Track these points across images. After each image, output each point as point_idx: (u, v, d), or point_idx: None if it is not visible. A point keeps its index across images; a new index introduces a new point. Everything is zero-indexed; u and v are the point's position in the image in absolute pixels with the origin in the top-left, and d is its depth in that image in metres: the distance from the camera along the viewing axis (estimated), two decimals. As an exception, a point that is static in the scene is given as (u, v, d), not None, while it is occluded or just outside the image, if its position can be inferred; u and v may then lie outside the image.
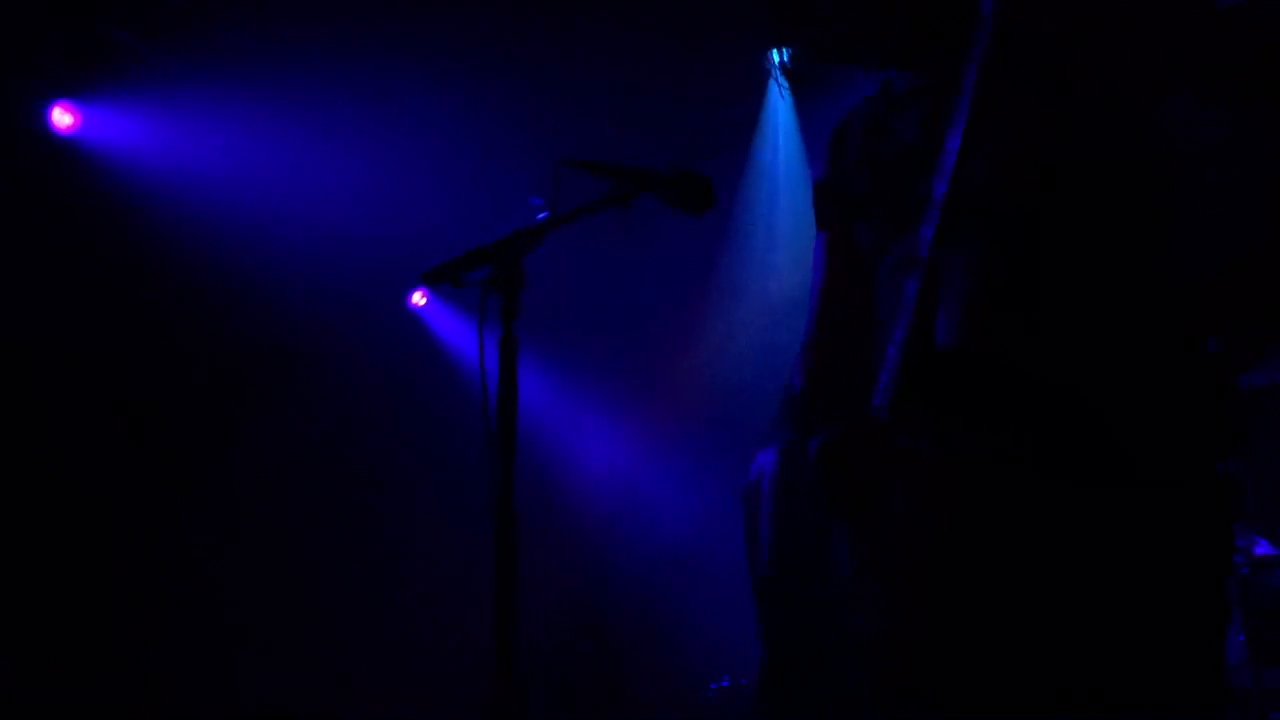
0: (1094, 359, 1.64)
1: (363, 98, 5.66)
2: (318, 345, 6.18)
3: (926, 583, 1.67)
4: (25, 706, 4.64)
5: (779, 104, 5.98)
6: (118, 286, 5.60)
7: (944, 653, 1.63)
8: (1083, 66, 1.67)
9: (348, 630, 6.07)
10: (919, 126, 1.81)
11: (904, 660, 1.66)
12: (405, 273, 6.40)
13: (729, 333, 6.42)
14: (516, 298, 2.18)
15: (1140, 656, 1.56)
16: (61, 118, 5.22)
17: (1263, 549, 4.16)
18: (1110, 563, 1.58)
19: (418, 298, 6.69)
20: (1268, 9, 1.56)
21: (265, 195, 5.68)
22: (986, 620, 1.61)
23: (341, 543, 6.19)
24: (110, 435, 5.62)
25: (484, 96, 5.83)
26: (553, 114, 5.90)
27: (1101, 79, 1.66)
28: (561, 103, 5.91)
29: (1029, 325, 1.66)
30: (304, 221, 5.76)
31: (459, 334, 6.73)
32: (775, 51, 5.55)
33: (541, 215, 2.57)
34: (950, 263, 1.66)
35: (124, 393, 5.67)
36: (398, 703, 6.00)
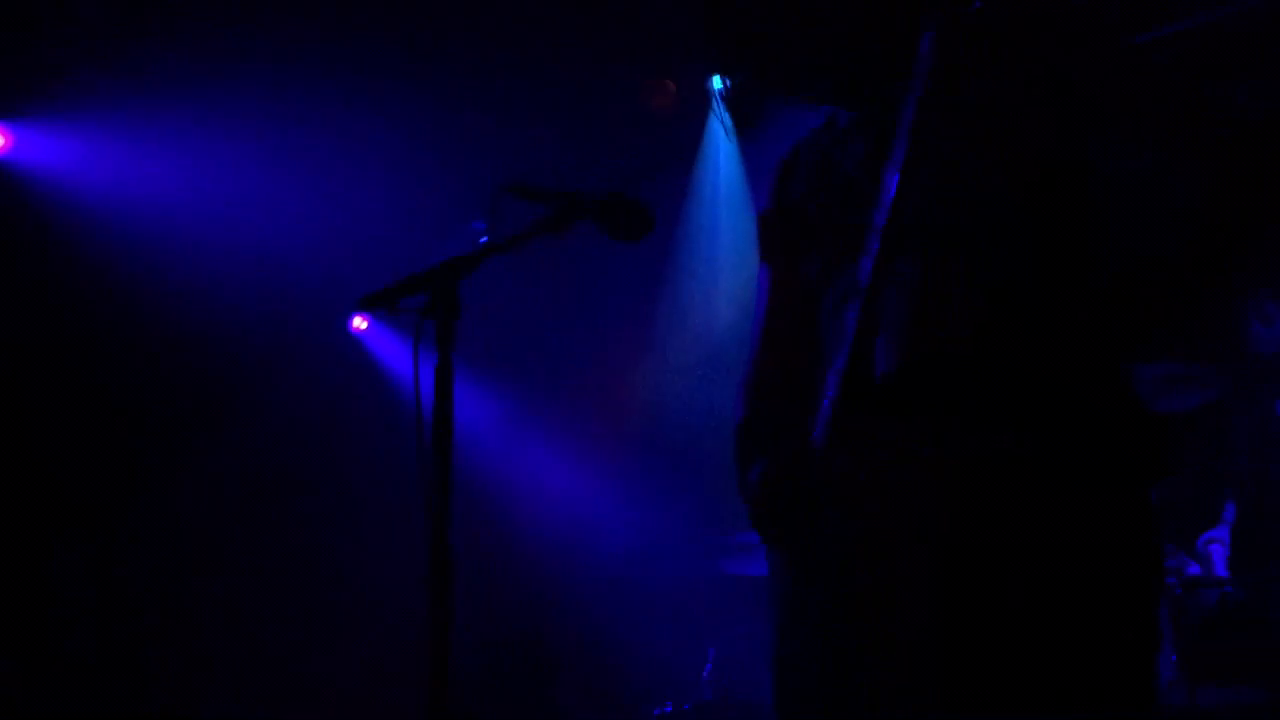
0: (1026, 384, 1.67)
1: (302, 120, 5.62)
2: (257, 369, 6.12)
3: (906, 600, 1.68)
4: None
5: (720, 128, 6.03)
6: (52, 310, 5.51)
7: (942, 655, 1.63)
8: (1014, 101, 1.71)
9: (283, 648, 5.99)
10: (861, 160, 1.84)
11: (901, 664, 1.66)
12: (346, 296, 6.35)
13: (670, 356, 6.44)
14: (452, 325, 2.17)
15: (1079, 667, 1.59)
16: (-8, 137, 5.15)
17: (1194, 569, 4.23)
18: (1057, 567, 1.61)
19: (358, 321, 6.64)
20: (1171, 51, 1.61)
21: (203, 218, 5.62)
22: (980, 623, 1.63)
23: (279, 564, 6.12)
24: (43, 457, 5.53)
25: (425, 118, 5.82)
26: (494, 136, 5.89)
27: (1033, 113, 1.70)
28: (503, 125, 5.91)
29: (965, 351, 1.69)
30: (242, 245, 5.71)
31: (400, 358, 6.69)
32: (716, 79, 5.60)
33: (483, 240, 2.57)
34: (889, 293, 1.69)
35: (58, 416, 5.58)
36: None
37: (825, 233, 1.87)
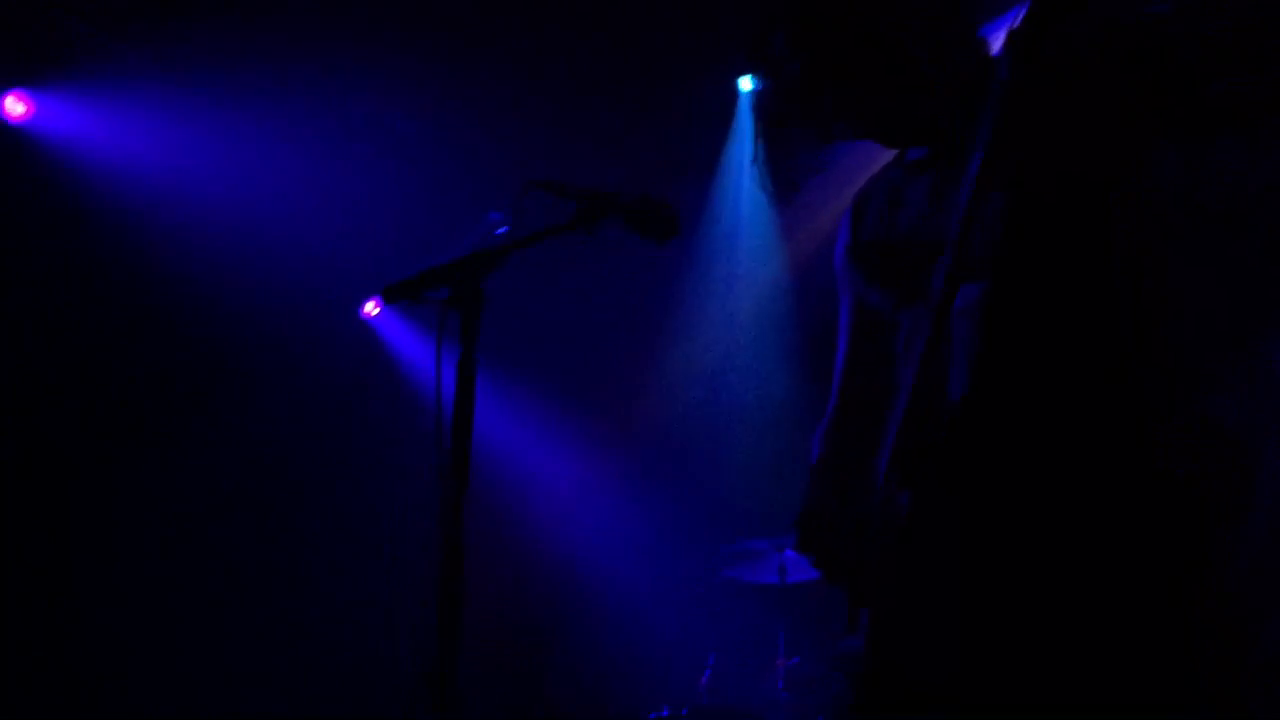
0: (1100, 409, 1.67)
1: (325, 103, 5.60)
2: (267, 350, 6.09)
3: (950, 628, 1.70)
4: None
5: (746, 130, 6.00)
6: (65, 281, 5.49)
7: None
8: (1080, 122, 1.71)
9: (286, 634, 5.97)
10: (930, 191, 1.86)
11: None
12: (360, 281, 6.34)
13: (683, 358, 6.42)
14: (476, 319, 2.14)
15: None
16: (14, 106, 5.13)
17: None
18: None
19: (370, 307, 6.61)
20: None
21: (220, 194, 5.59)
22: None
23: (287, 549, 6.09)
24: (51, 434, 5.51)
25: (448, 109, 5.80)
26: (516, 129, 5.87)
27: (1099, 132, 1.70)
28: (525, 120, 5.88)
29: (1037, 377, 1.69)
30: (258, 223, 5.68)
31: (411, 343, 6.66)
32: (746, 80, 5.58)
33: (501, 230, 2.53)
34: (959, 322, 1.69)
35: (68, 389, 5.56)
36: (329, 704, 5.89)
37: (899, 266, 1.88)
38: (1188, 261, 1.70)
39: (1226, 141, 1.66)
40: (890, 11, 1.82)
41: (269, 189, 5.68)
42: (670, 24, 5.48)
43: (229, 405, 6.04)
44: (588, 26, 5.50)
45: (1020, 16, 1.64)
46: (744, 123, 6.00)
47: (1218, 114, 1.63)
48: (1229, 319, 1.68)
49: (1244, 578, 1.67)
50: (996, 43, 1.73)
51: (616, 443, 6.33)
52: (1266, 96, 1.59)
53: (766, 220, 6.18)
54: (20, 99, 5.13)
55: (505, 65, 5.65)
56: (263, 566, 5.96)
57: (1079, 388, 1.67)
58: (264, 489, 6.05)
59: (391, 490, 6.08)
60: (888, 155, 2.06)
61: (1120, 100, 1.67)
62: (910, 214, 1.89)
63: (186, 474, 5.85)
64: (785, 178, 2.04)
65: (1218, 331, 1.68)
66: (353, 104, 5.69)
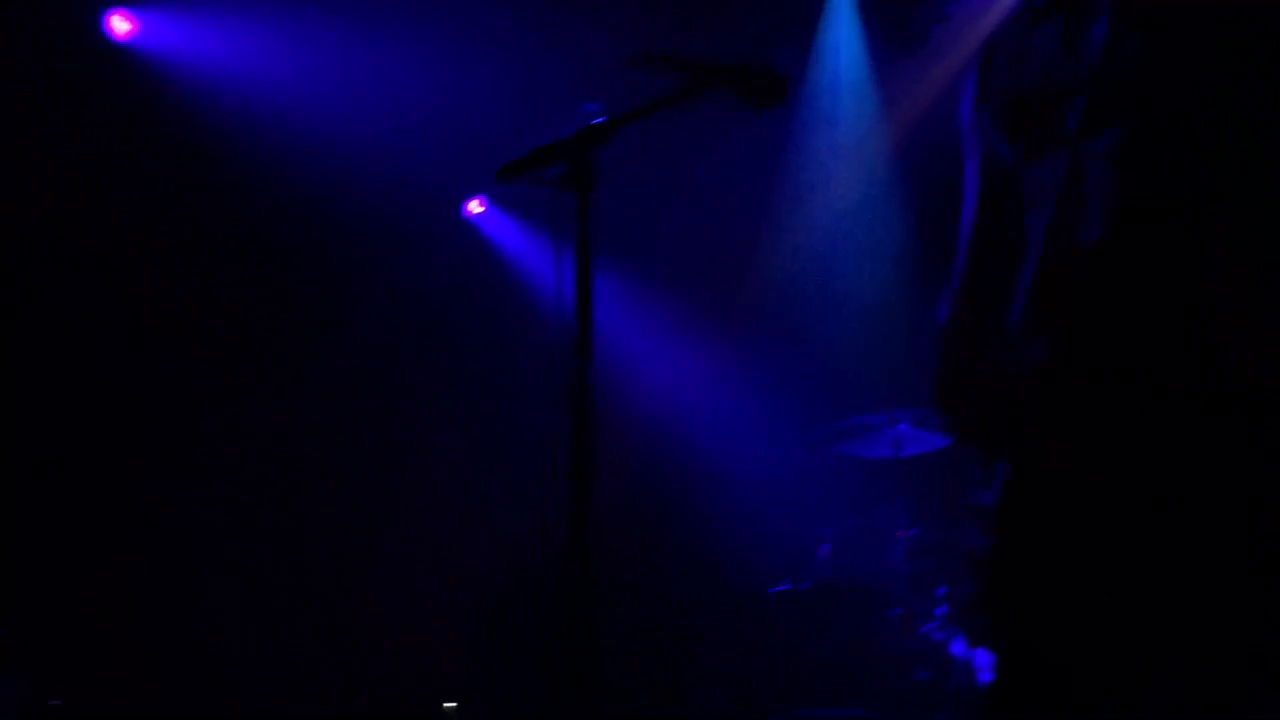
0: (1238, 269, 1.63)
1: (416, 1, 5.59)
2: (375, 254, 6.19)
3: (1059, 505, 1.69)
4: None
5: (843, 4, 5.85)
6: (173, 195, 5.62)
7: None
8: None
9: (392, 534, 6.17)
10: (1059, 38, 1.82)
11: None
12: (461, 180, 6.38)
13: (788, 238, 6.35)
14: (591, 195, 2.16)
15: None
16: (119, 24, 5.22)
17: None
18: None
19: (474, 205, 6.66)
20: None
21: (320, 102, 5.65)
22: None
23: (399, 453, 6.25)
24: (163, 343, 5.69)
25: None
26: (608, 5, 5.77)
27: None
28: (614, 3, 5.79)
29: (1176, 219, 1.65)
30: (357, 128, 5.73)
31: (518, 240, 6.69)
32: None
33: (598, 120, 2.53)
34: (1093, 164, 1.66)
35: (176, 300, 5.72)
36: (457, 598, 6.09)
37: (1029, 116, 1.85)
38: None
39: None
40: None
41: (361, 95, 5.72)
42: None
43: (338, 312, 6.17)
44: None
45: None
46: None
47: None
48: None
49: None
50: None
51: (725, 325, 6.33)
52: None
53: (869, 89, 6.03)
54: (125, 17, 5.22)
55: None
56: (382, 462, 6.14)
57: (1220, 229, 1.64)
58: (376, 389, 6.20)
59: (506, 386, 6.16)
60: (1000, 10, 2.02)
61: None
62: (1039, 62, 1.85)
63: (299, 381, 6.01)
64: (909, 30, 2.01)
65: None
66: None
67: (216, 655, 5.58)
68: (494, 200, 6.63)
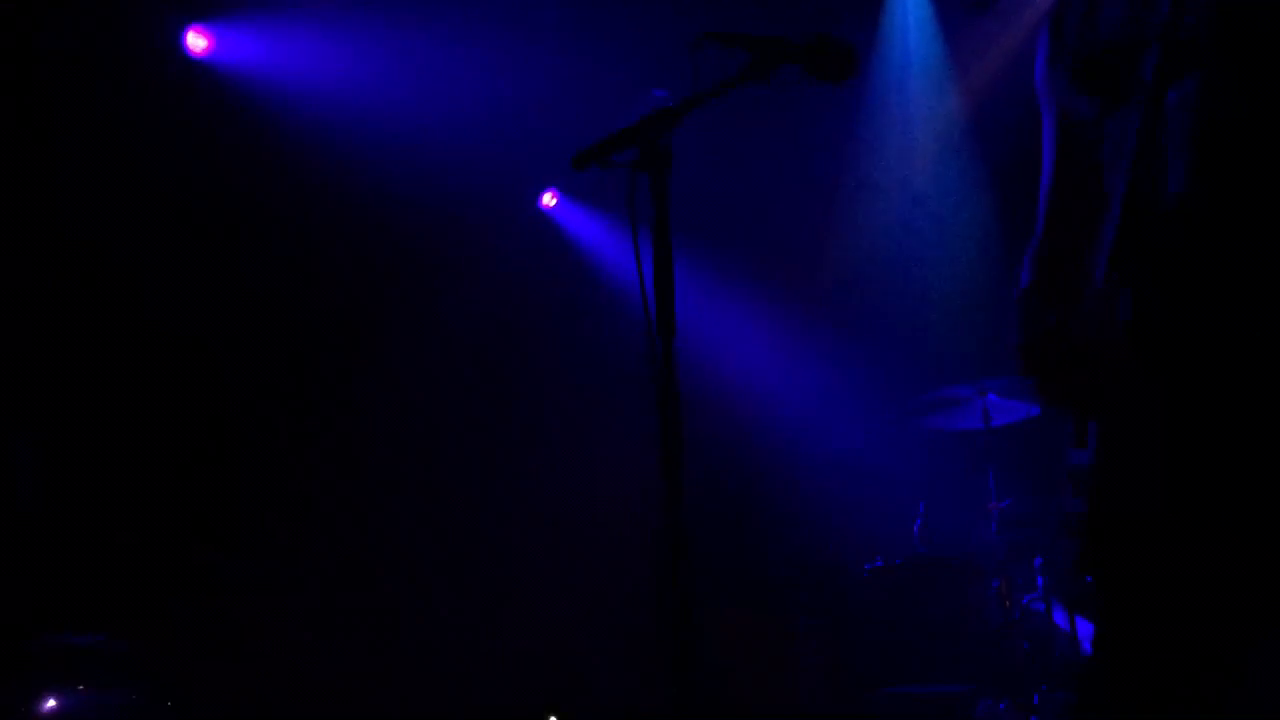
0: None
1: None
2: (453, 253, 6.25)
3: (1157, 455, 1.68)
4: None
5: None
6: (253, 205, 5.72)
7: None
8: None
9: (494, 523, 6.23)
10: None
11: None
12: (533, 175, 6.42)
13: (869, 218, 6.30)
14: (664, 177, 2.17)
15: None
16: (196, 41, 5.32)
17: None
18: None
19: (548, 199, 6.71)
20: None
21: (393, 108, 5.72)
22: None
23: (485, 445, 6.31)
24: (249, 350, 5.79)
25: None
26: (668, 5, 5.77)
27: None
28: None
29: (1259, 166, 1.63)
30: (431, 131, 5.80)
31: (592, 231, 6.73)
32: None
33: (667, 105, 2.53)
34: (1174, 114, 1.65)
35: (263, 308, 5.82)
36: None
37: (1103, 71, 1.83)
38: None
39: None
40: None
41: (431, 97, 5.77)
42: None
43: (420, 311, 6.25)
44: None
45: None
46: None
47: None
48: None
49: None
50: None
51: (806, 305, 6.31)
52: None
53: (938, 60, 5.95)
54: (201, 33, 5.33)
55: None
56: (468, 457, 6.21)
57: None
58: (459, 383, 6.26)
59: (586, 376, 6.19)
60: None
61: None
62: (1111, 16, 1.84)
63: (383, 378, 6.10)
64: None
65: None
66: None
67: (327, 662, 5.67)
68: (566, 193, 6.68)
